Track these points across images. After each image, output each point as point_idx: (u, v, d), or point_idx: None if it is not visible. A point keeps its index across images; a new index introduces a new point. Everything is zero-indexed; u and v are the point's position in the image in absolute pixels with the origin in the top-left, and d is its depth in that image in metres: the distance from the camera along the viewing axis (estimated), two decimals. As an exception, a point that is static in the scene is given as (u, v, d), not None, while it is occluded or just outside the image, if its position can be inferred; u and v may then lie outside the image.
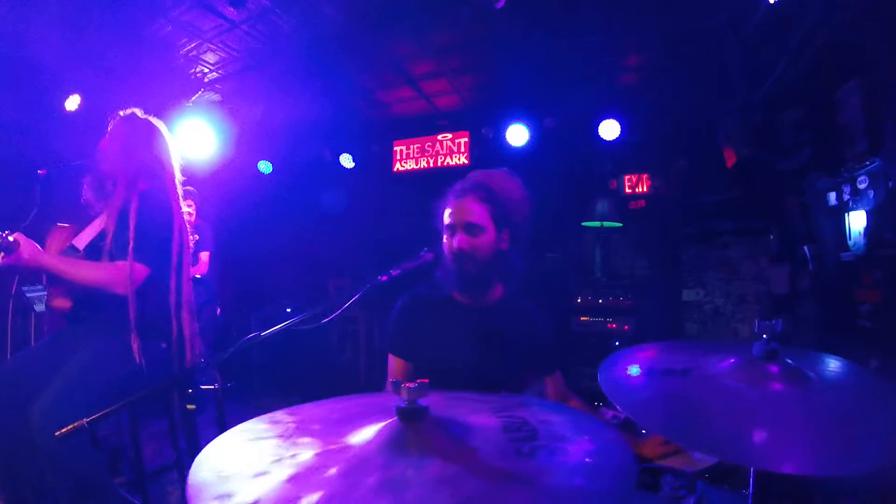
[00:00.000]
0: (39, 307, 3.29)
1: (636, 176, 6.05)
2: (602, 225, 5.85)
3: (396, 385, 0.89)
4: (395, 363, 2.05)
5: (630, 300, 5.59)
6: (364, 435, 0.92)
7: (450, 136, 6.29)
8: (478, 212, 1.95)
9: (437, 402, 0.92)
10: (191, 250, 2.46)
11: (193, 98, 5.59)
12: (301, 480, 0.82)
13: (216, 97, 6.08)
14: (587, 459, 0.93)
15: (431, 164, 6.39)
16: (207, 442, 0.96)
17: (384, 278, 1.81)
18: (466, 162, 6.18)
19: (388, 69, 5.42)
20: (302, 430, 1.01)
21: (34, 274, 2.19)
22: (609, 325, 5.50)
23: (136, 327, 2.17)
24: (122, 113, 2.55)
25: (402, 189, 6.70)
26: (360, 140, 6.77)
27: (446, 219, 1.99)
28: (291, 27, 4.65)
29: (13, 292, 3.36)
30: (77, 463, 1.95)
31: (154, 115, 2.66)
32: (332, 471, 0.83)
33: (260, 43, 4.96)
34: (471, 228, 1.94)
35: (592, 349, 5.28)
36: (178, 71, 5.60)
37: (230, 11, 4.37)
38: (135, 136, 2.46)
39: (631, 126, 5.48)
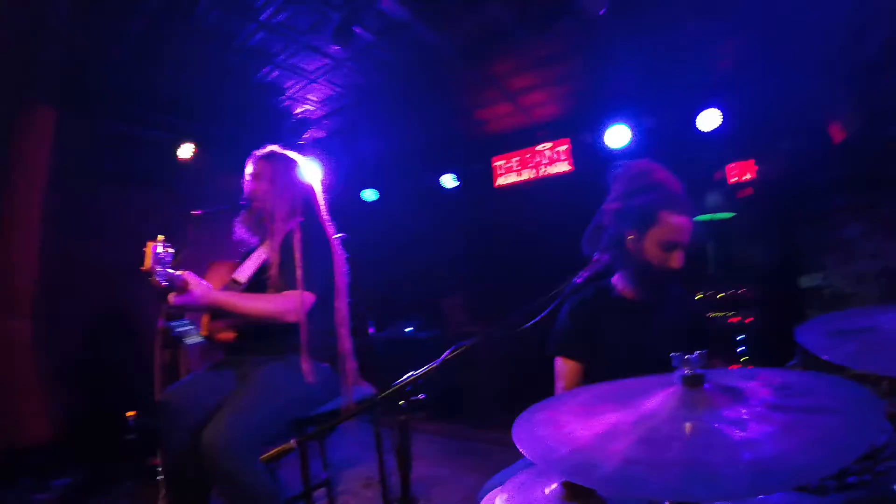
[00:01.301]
0: (190, 340, 3.51)
1: (741, 164, 5.81)
2: (713, 218, 5.65)
3: (680, 359, 1.04)
4: (566, 366, 2.05)
5: (748, 292, 5.36)
6: (654, 401, 1.05)
7: (549, 144, 6.29)
8: (690, 230, 1.95)
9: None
10: (347, 274, 2.58)
11: (302, 137, 5.86)
12: (616, 433, 0.97)
13: (321, 133, 6.37)
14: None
15: (533, 176, 6.40)
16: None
17: (579, 279, 1.85)
18: (571, 168, 6.17)
19: (487, 88, 5.50)
20: (597, 402, 1.15)
21: (181, 310, 2.33)
22: (731, 320, 5.30)
23: (302, 349, 2.29)
24: (259, 153, 2.69)
25: (504, 203, 6.77)
26: (460, 159, 6.89)
27: (666, 231, 1.93)
28: (394, 58, 4.82)
29: (160, 328, 3.61)
30: (254, 486, 2.05)
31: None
32: (638, 425, 0.98)
33: (363, 77, 5.18)
34: (685, 247, 1.95)
35: (717, 346, 5.05)
36: (284, 111, 5.92)
37: (335, 50, 4.59)
38: (283, 172, 2.60)
39: (731, 113, 5.31)
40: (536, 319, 1.71)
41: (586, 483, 0.86)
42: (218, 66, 4.93)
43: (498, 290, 6.82)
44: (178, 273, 2.13)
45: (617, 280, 2.10)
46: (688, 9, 4.21)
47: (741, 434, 0.89)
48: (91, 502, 4.11)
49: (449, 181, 6.91)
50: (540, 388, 5.56)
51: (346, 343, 2.49)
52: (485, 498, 1.53)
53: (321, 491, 2.89)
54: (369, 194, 7.41)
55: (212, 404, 2.26)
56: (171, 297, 2.14)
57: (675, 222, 1.92)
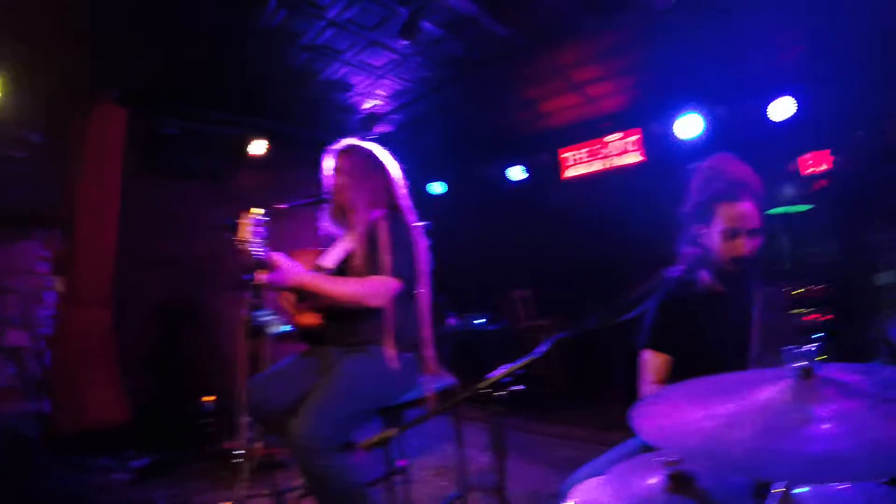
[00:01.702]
0: (273, 329, 3.59)
1: (815, 154, 5.56)
2: (788, 211, 5.43)
3: (787, 353, 1.07)
4: (657, 359, 2.04)
5: (824, 289, 5.14)
6: (767, 393, 1.08)
7: (619, 135, 6.20)
8: (756, 214, 1.94)
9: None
10: (429, 263, 2.60)
11: (370, 132, 5.92)
12: (735, 422, 1.01)
13: (389, 127, 6.44)
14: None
15: (602, 168, 6.31)
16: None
17: (675, 274, 1.94)
18: (642, 159, 6.06)
19: (554, 79, 5.44)
20: (710, 394, 1.17)
21: (269, 290, 2.36)
22: (805, 318, 5.09)
23: (385, 337, 2.33)
24: (338, 147, 2.73)
25: (573, 195, 6.70)
26: (527, 152, 6.85)
27: (725, 222, 1.95)
28: (462, 51, 4.82)
29: (243, 318, 3.70)
30: (340, 477, 2.10)
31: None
32: (755, 415, 1.02)
33: (430, 71, 5.20)
34: (752, 232, 1.94)
35: (796, 343, 4.86)
36: (352, 107, 6.00)
37: (402, 45, 4.62)
38: (364, 163, 2.63)
39: (805, 102, 5.11)
40: (632, 314, 1.70)
41: (717, 469, 0.97)
42: (286, 64, 5.02)
43: (567, 282, 6.76)
44: (269, 253, 2.17)
45: (702, 274, 2.06)
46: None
47: (857, 422, 0.94)
48: (167, 483, 4.24)
49: (517, 173, 6.88)
50: (600, 384, 5.50)
51: (427, 330, 2.52)
52: (578, 488, 1.53)
53: (395, 479, 2.94)
54: (436, 187, 7.46)
55: (296, 395, 2.31)
56: (261, 274, 2.17)
57: (732, 211, 1.94)
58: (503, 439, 1.35)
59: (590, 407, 5.38)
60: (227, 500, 3.75)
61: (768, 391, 1.08)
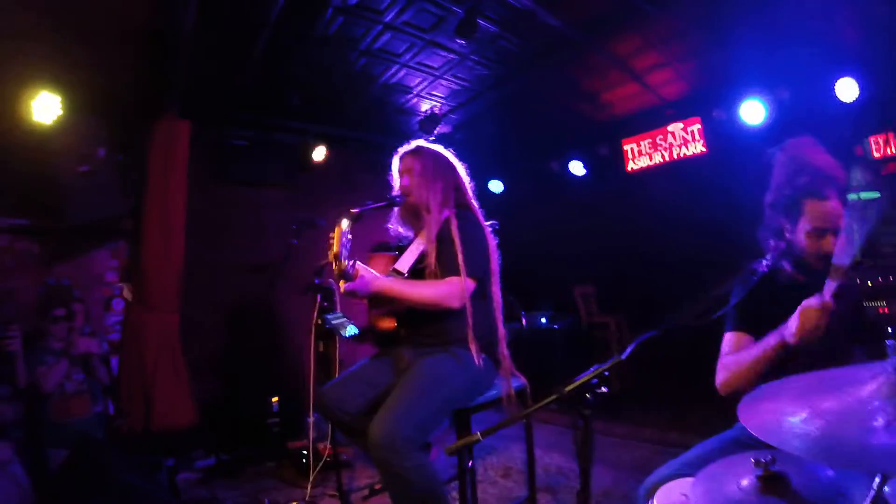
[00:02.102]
0: (345, 332, 3.63)
1: (884, 136, 5.27)
2: (858, 197, 5.15)
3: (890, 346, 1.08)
4: (737, 338, 1.99)
5: (897, 280, 4.85)
6: (870, 388, 1.10)
7: (680, 125, 6.03)
8: (842, 212, 1.89)
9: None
10: (499, 262, 2.59)
11: (430, 133, 5.93)
12: (842, 418, 1.06)
13: (447, 128, 6.44)
14: None
15: (666, 158, 6.16)
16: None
17: (763, 269, 1.90)
18: (704, 150, 5.88)
19: (613, 69, 5.35)
20: (811, 390, 1.21)
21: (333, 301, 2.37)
22: (882, 310, 4.82)
23: (461, 336, 2.33)
24: (405, 149, 2.74)
25: (638, 188, 6.56)
26: (587, 145, 6.74)
27: (812, 220, 1.92)
28: (518, 47, 4.79)
29: (315, 321, 3.76)
30: (419, 479, 2.08)
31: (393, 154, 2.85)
32: (859, 410, 1.06)
33: (488, 69, 5.19)
34: (837, 231, 1.87)
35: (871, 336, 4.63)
36: (410, 109, 6.03)
37: (459, 45, 4.61)
38: (433, 164, 2.64)
39: (871, 82, 4.82)
40: (723, 311, 1.66)
41: (831, 464, 1.00)
42: (345, 70, 5.09)
43: (630, 278, 6.63)
44: (352, 263, 2.17)
45: (786, 264, 1.99)
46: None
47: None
48: (234, 483, 4.34)
49: (577, 168, 6.78)
50: (666, 383, 5.31)
51: (500, 329, 2.50)
52: (664, 489, 1.48)
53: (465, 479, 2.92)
54: (495, 186, 7.43)
55: (372, 397, 2.33)
56: (342, 285, 2.19)
57: (820, 209, 1.91)
58: (590, 444, 1.31)
59: (656, 406, 5.26)
60: (294, 500, 3.83)
61: (870, 386, 1.10)
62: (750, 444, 1.79)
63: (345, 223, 2.07)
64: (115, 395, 4.65)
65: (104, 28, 3.83)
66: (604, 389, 1.33)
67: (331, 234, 2.05)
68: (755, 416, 1.18)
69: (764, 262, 1.88)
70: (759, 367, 1.78)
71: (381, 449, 2.05)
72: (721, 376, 1.92)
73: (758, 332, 1.94)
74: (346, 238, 2.07)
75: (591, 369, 1.32)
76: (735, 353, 1.90)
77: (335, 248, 2.04)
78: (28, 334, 3.69)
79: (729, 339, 2.01)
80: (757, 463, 1.20)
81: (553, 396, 1.31)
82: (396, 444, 2.04)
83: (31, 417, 3.57)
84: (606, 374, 1.33)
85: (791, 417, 1.10)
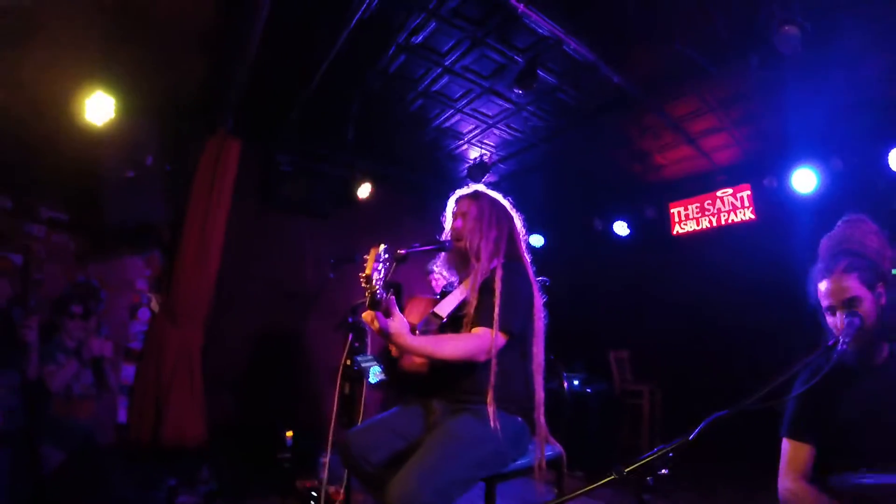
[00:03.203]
0: (373, 377, 3.50)
1: None
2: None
3: None
4: (795, 449, 1.88)
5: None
6: None
7: (730, 190, 5.95)
8: (851, 285, 1.82)
9: None
10: (545, 318, 2.45)
11: (478, 181, 5.89)
12: None
13: (492, 177, 6.40)
14: None
15: (714, 224, 6.04)
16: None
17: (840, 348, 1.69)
18: (753, 217, 5.78)
19: (668, 130, 5.27)
20: None
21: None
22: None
23: (496, 397, 2.17)
24: (464, 192, 2.65)
25: (682, 253, 6.42)
26: (634, 205, 6.64)
27: (823, 299, 1.90)
28: (575, 100, 4.74)
29: (344, 361, 3.64)
30: None
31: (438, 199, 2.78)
32: None
33: (542, 121, 5.15)
34: (849, 304, 1.82)
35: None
36: (460, 156, 6.02)
37: (517, 94, 4.57)
38: (489, 211, 2.54)
39: None
40: (793, 394, 1.52)
41: None
42: (400, 109, 5.11)
43: (668, 345, 6.42)
44: (390, 297, 2.04)
45: (837, 352, 1.85)
46: (875, 40, 3.81)
47: None
48: None
49: (621, 228, 6.67)
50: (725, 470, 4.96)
51: (540, 393, 2.33)
52: None
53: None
54: (535, 240, 7.35)
55: (399, 449, 2.19)
56: (376, 320, 2.08)
57: (821, 289, 1.90)
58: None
59: (685, 481, 4.97)
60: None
61: None
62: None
63: (382, 247, 1.95)
64: (130, 405, 4.60)
65: (165, 36, 3.88)
66: (665, 472, 1.19)
67: (365, 256, 1.94)
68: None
69: (842, 341, 1.69)
70: None
71: None
72: (785, 501, 1.84)
73: (818, 438, 1.86)
74: (383, 262, 1.95)
75: (656, 450, 1.19)
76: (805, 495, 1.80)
77: (367, 270, 1.92)
78: (44, 326, 3.65)
79: (786, 448, 1.91)
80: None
81: (611, 476, 1.18)
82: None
83: (30, 411, 3.49)
84: (671, 455, 1.18)
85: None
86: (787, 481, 1.84)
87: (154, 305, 5.06)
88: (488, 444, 2.13)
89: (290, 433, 4.76)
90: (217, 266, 4.96)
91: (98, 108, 4.09)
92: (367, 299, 1.95)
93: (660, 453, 1.18)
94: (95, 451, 3.55)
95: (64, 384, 3.71)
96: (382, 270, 1.94)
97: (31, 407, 3.51)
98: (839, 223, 2.07)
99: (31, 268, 4.29)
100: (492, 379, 2.17)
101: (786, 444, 1.90)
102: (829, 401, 1.85)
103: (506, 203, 2.63)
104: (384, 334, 2.07)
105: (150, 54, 4.01)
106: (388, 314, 2.06)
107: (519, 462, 2.28)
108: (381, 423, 2.39)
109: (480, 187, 2.65)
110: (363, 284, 1.91)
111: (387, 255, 1.96)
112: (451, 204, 2.65)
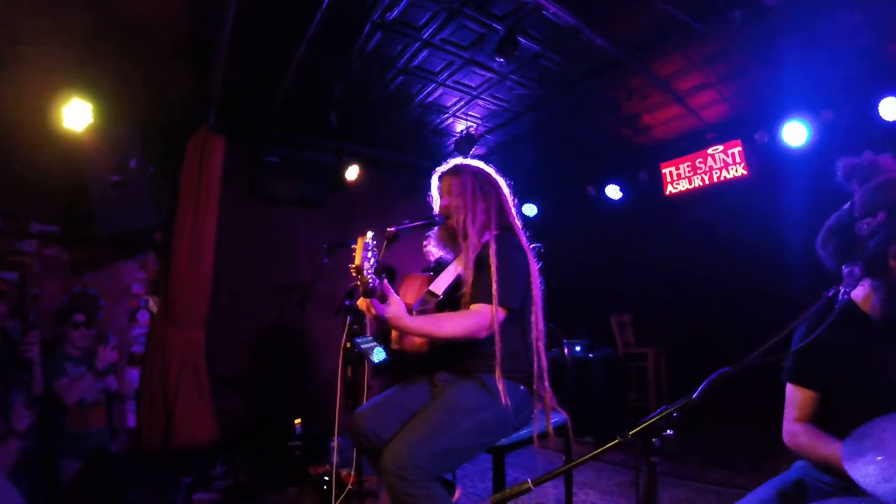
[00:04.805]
0: (374, 357, 3.48)
1: None
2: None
3: None
4: (799, 394, 1.82)
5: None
6: None
7: (721, 147, 5.89)
8: None
9: None
10: (541, 288, 2.42)
11: (465, 154, 5.83)
12: None
13: (481, 149, 6.34)
14: None
15: (706, 181, 5.99)
16: None
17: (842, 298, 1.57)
18: (745, 173, 5.72)
19: (656, 90, 5.20)
20: None
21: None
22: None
23: (502, 369, 2.15)
24: (444, 168, 2.60)
25: (677, 212, 6.40)
26: (625, 169, 6.61)
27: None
28: (559, 66, 4.67)
29: (344, 344, 3.62)
30: None
31: (428, 175, 2.72)
32: None
33: (527, 89, 5.08)
34: None
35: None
36: (445, 130, 5.95)
37: (499, 63, 4.49)
38: (474, 183, 2.49)
39: None
40: (802, 344, 1.47)
41: None
42: (381, 89, 5.04)
43: (669, 306, 6.41)
44: (383, 283, 2.03)
45: (859, 295, 1.76)
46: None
47: None
48: None
49: (614, 192, 6.64)
50: (709, 419, 5.00)
51: (543, 361, 2.31)
52: None
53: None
54: (529, 209, 7.31)
55: (406, 421, 2.18)
56: (372, 307, 2.06)
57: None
58: (655, 494, 1.15)
59: (696, 441, 5.00)
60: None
61: None
62: (821, 487, 1.66)
63: (369, 234, 1.93)
64: (138, 409, 4.60)
65: (139, 37, 3.81)
66: (670, 432, 1.17)
67: (353, 246, 1.92)
68: (861, 465, 1.12)
69: (843, 291, 1.58)
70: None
71: (390, 474, 1.92)
72: (789, 442, 1.79)
73: (822, 388, 1.78)
74: (371, 250, 1.93)
75: (658, 410, 1.17)
76: (808, 437, 1.72)
77: (357, 261, 1.89)
78: (46, 341, 3.66)
79: (791, 393, 1.85)
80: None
81: (616, 441, 1.16)
82: (406, 471, 1.89)
83: (45, 426, 3.50)
84: (675, 415, 1.16)
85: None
86: (787, 423, 1.81)
87: (152, 306, 5.04)
88: (487, 412, 2.13)
89: (298, 421, 4.76)
90: (211, 264, 4.95)
91: (76, 114, 4.03)
92: (361, 289, 1.94)
93: (663, 414, 1.16)
94: (109, 457, 3.55)
95: (78, 397, 3.72)
96: (372, 258, 1.92)
97: (47, 423, 3.53)
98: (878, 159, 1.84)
99: (27, 284, 4.27)
100: (494, 351, 2.15)
101: (788, 389, 1.85)
102: (843, 348, 1.74)
103: (490, 170, 2.58)
104: (382, 320, 2.05)
105: (124, 55, 3.94)
106: (383, 300, 2.05)
107: (523, 431, 2.27)
108: (389, 399, 2.39)
109: (460, 160, 2.60)
110: (354, 275, 1.90)
111: (374, 242, 1.93)
112: (434, 182, 2.61)
